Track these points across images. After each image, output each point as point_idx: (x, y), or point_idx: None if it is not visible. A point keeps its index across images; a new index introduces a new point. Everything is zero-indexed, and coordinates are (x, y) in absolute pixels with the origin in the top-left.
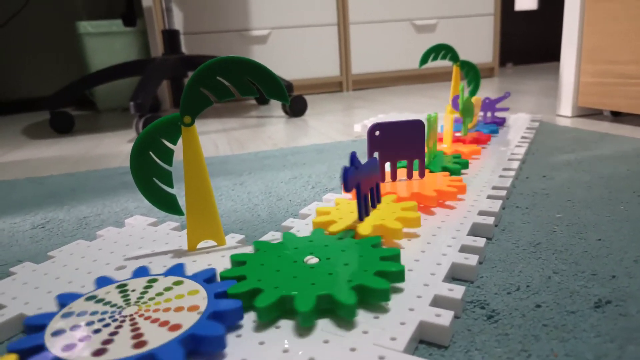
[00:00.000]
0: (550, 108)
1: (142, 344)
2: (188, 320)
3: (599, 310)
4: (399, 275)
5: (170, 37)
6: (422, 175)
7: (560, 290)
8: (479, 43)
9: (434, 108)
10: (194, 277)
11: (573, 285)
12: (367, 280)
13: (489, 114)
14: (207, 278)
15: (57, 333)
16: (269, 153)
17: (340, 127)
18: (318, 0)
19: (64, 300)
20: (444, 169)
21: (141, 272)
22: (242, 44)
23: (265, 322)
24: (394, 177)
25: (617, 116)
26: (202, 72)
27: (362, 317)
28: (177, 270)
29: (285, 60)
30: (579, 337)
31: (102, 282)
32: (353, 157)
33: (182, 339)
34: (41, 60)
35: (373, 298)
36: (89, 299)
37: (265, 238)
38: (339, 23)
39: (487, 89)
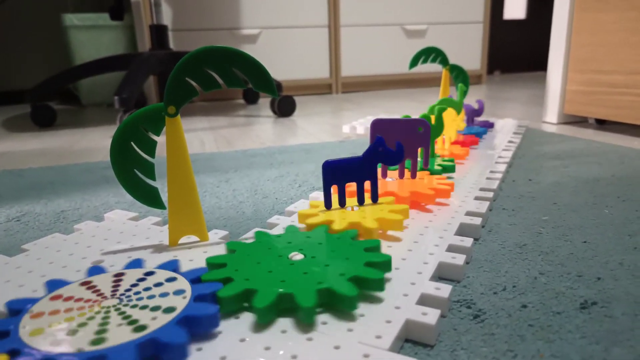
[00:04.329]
0: (536, 115)
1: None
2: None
3: (585, 312)
4: (378, 284)
5: (158, 32)
6: (413, 175)
7: (546, 291)
8: (467, 50)
9: (422, 112)
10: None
11: (559, 286)
12: (336, 285)
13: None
14: (173, 269)
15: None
16: (256, 151)
17: (329, 128)
18: (309, 1)
19: (16, 305)
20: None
21: (95, 270)
22: (232, 43)
23: (230, 312)
24: (384, 174)
25: (601, 124)
26: (188, 61)
27: (347, 314)
28: (136, 264)
29: (275, 60)
30: (564, 338)
31: (54, 284)
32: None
33: (178, 320)
34: (26, 52)
35: (340, 304)
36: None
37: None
38: (330, 25)
39: (475, 96)
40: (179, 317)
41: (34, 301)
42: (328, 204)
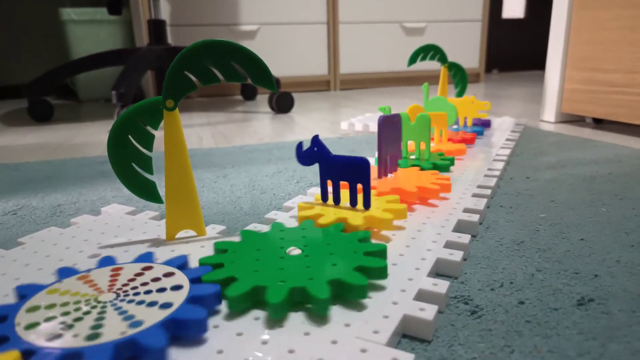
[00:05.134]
0: (534, 113)
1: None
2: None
3: (582, 308)
4: (381, 272)
5: (156, 27)
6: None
7: (543, 287)
8: (466, 48)
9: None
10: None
11: (556, 283)
12: (345, 275)
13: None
14: (179, 265)
15: (31, 327)
16: (254, 147)
17: (327, 125)
18: None
19: (24, 291)
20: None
21: (107, 261)
22: (230, 39)
23: (238, 311)
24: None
25: (599, 123)
26: (187, 54)
27: (345, 309)
28: (145, 258)
29: (273, 56)
30: (561, 334)
31: (65, 272)
32: (314, 139)
33: (163, 322)
34: (23, 46)
35: (350, 294)
36: (52, 292)
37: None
38: (329, 22)
39: (473, 94)
40: (165, 319)
41: (41, 287)
42: (324, 197)
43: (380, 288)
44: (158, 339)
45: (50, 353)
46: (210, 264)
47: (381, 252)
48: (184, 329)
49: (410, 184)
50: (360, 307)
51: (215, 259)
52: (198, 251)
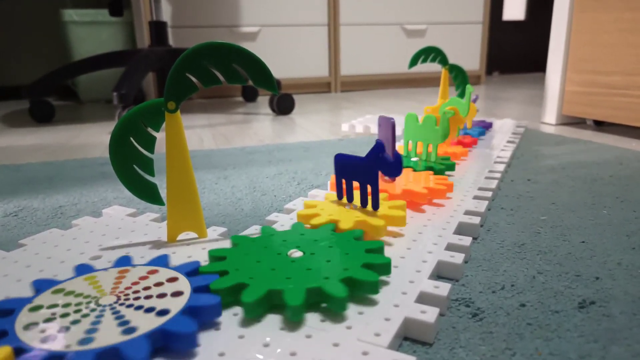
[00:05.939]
0: (535, 116)
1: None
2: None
3: (583, 311)
4: (386, 268)
5: (158, 28)
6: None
7: (544, 290)
8: (467, 50)
9: (421, 112)
10: (177, 269)
11: (557, 285)
12: (328, 284)
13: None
14: (190, 271)
15: (31, 326)
16: (254, 148)
17: (327, 127)
18: None
19: (9, 305)
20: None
21: (123, 261)
22: (231, 40)
23: (254, 317)
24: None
25: (599, 125)
26: (189, 56)
27: (347, 312)
28: (160, 261)
29: (274, 58)
30: (563, 337)
31: (82, 270)
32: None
33: (149, 334)
34: (24, 47)
35: (362, 290)
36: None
37: (246, 232)
38: (330, 23)
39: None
40: (183, 308)
41: (25, 301)
42: (339, 195)
43: (382, 290)
44: (188, 324)
45: (83, 353)
46: (214, 256)
47: (383, 266)
48: (173, 341)
49: (396, 187)
50: (361, 310)
51: (220, 252)
52: (199, 253)
